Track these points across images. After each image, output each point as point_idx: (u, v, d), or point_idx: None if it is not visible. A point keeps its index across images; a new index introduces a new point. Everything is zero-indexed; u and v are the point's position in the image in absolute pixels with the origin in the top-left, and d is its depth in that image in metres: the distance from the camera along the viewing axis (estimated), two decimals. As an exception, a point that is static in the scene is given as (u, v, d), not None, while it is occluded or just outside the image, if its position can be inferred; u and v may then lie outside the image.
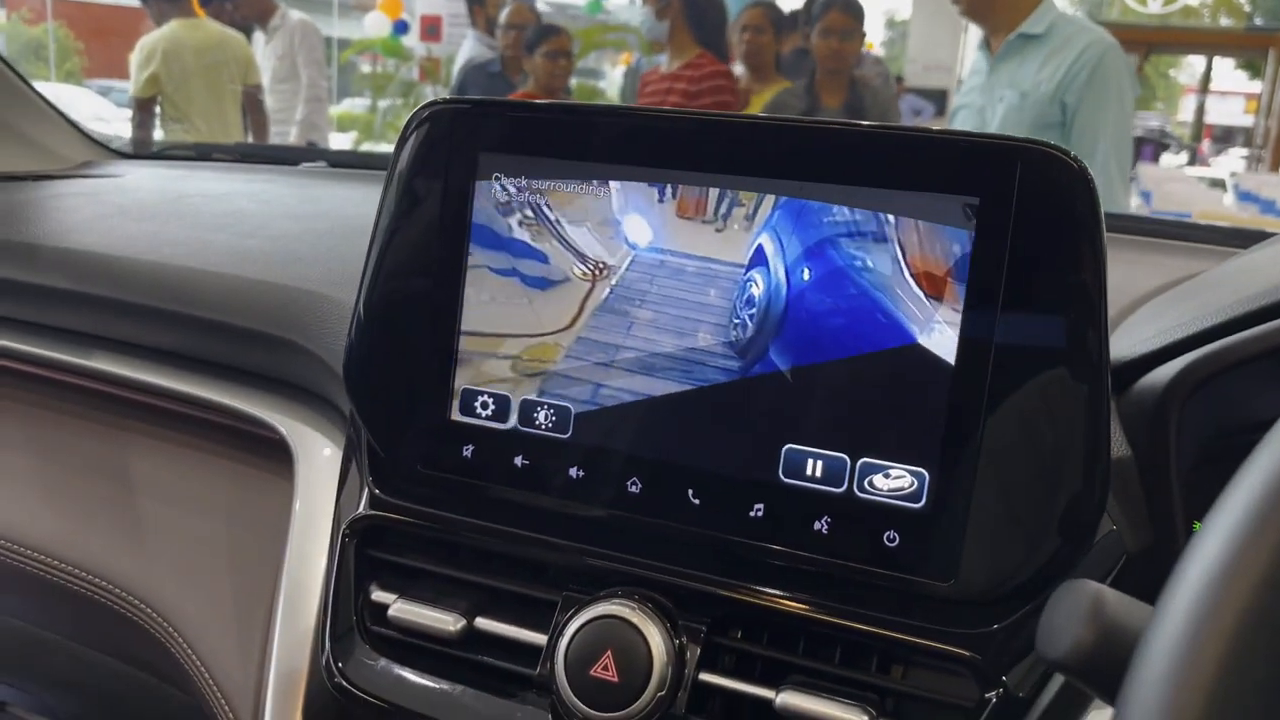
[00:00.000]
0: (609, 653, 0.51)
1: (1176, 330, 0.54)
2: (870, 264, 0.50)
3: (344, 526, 0.61)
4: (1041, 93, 2.24)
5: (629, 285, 0.54)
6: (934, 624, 0.50)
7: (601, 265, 0.55)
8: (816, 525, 0.51)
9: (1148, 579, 0.53)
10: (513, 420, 0.57)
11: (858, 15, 3.04)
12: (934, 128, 0.51)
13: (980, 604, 0.50)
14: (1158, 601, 0.30)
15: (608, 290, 0.55)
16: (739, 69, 3.19)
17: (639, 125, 0.55)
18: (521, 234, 0.56)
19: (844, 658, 0.52)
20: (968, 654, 0.49)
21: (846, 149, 0.51)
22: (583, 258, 0.55)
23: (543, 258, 0.56)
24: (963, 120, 2.41)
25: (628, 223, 0.54)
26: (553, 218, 0.56)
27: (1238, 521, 0.28)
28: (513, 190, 0.56)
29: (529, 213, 0.56)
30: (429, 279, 0.58)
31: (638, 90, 3.15)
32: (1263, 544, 0.27)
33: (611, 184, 0.54)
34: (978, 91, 2.37)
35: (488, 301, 0.57)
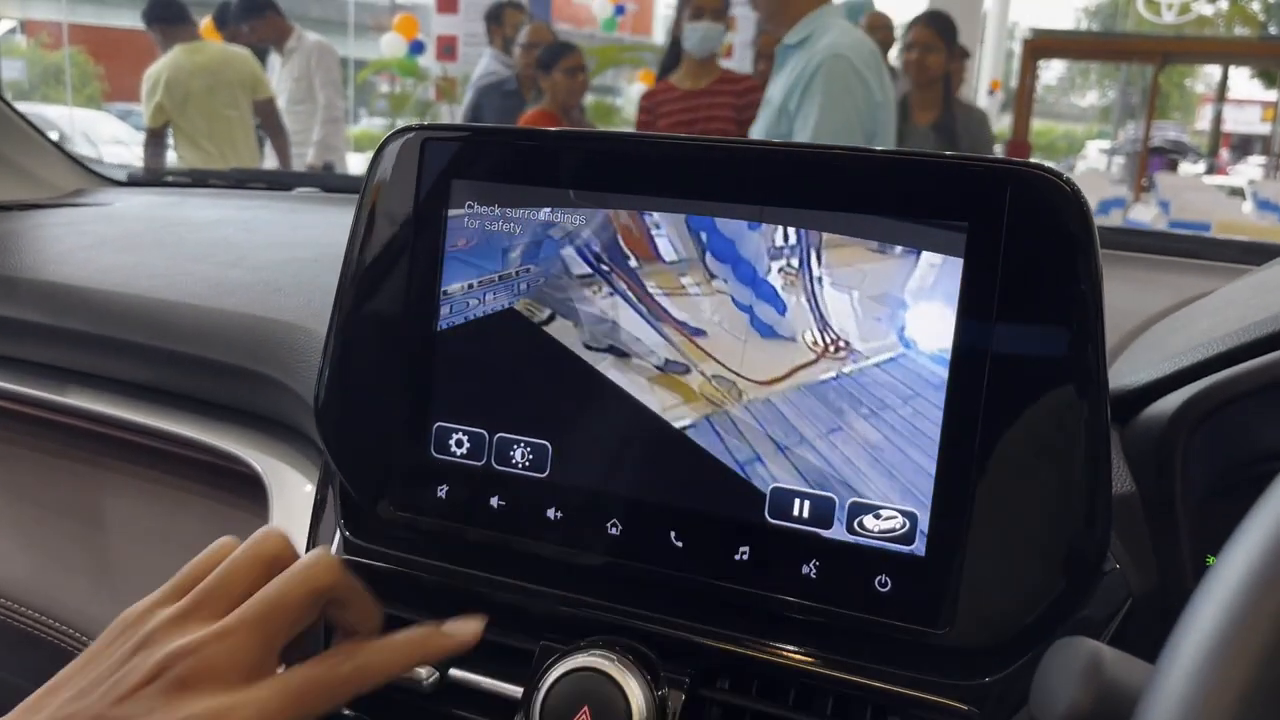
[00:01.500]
0: (585, 709, 0.49)
1: (1181, 358, 0.51)
2: (858, 294, 0.48)
3: (315, 570, 0.59)
4: (777, 103, 2.28)
5: (607, 317, 0.52)
6: (929, 675, 0.47)
7: (583, 298, 0.52)
8: (805, 569, 0.49)
9: (1154, 621, 0.50)
10: (488, 458, 0.54)
11: (946, 30, 3.07)
12: (923, 150, 0.48)
13: (978, 653, 0.47)
14: (1158, 662, 0.27)
15: (586, 322, 0.52)
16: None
17: (610, 151, 0.53)
18: (497, 264, 0.54)
19: (836, 710, 0.49)
20: (965, 708, 0.46)
21: (830, 173, 0.48)
22: (560, 289, 0.53)
23: (521, 291, 0.54)
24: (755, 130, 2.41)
25: (602, 251, 0.52)
26: (528, 247, 0.53)
27: (1240, 578, 0.25)
28: (487, 218, 0.54)
29: (504, 242, 0.54)
30: (401, 311, 0.55)
31: (648, 109, 3.09)
32: (1267, 603, 0.24)
33: (585, 212, 0.52)
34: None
35: (462, 333, 0.54)
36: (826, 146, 0.48)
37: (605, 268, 0.52)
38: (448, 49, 7.73)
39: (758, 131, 2.34)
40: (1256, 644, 0.24)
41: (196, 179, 1.39)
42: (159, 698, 0.41)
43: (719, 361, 0.50)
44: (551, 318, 0.53)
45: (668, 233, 0.51)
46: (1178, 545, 0.50)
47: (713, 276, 0.50)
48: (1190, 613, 0.26)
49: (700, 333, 0.50)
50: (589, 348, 0.52)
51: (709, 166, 0.50)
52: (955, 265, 0.46)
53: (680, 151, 0.51)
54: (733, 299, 0.50)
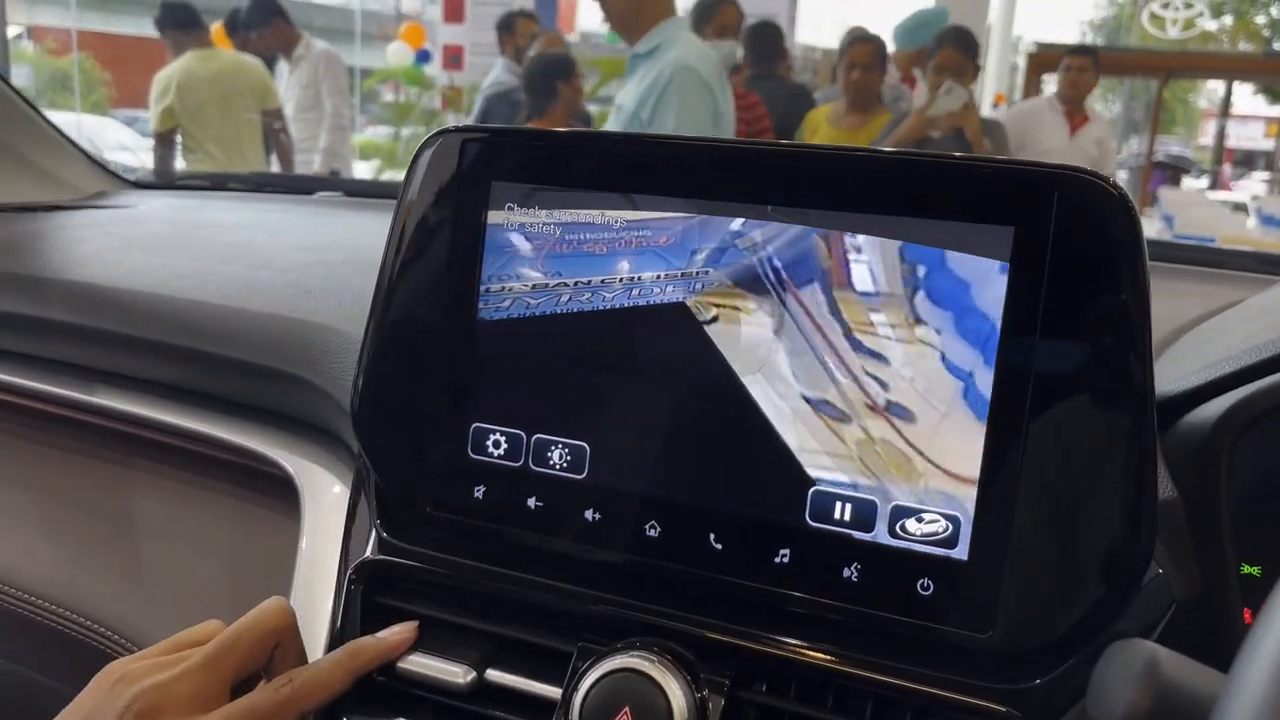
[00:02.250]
0: (626, 710, 0.49)
1: (1224, 364, 0.51)
2: (900, 297, 0.48)
3: (350, 571, 0.59)
4: (630, 109, 2.37)
5: (647, 318, 0.52)
6: (971, 678, 0.47)
7: (618, 298, 0.53)
8: (846, 572, 0.49)
9: (1198, 629, 0.50)
10: (525, 459, 0.54)
11: (971, 51, 3.12)
12: (969, 155, 0.48)
13: (1020, 657, 0.47)
14: (1232, 668, 0.27)
15: (626, 324, 0.52)
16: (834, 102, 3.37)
17: (654, 153, 0.53)
18: (536, 265, 0.54)
19: (875, 713, 0.49)
20: (1005, 710, 0.46)
21: (876, 178, 0.49)
22: (599, 291, 0.53)
23: (558, 291, 0.54)
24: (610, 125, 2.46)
25: (646, 253, 0.52)
26: (568, 248, 0.53)
27: None
28: (527, 219, 0.54)
29: (543, 243, 0.54)
30: (440, 311, 0.55)
31: None
32: None
33: (628, 214, 0.52)
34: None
35: (501, 334, 0.55)
36: (877, 151, 0.49)
37: (650, 268, 0.52)
38: (454, 58, 7.75)
39: None
40: None
41: (216, 183, 1.39)
42: None
43: (765, 363, 0.50)
44: (589, 320, 0.53)
45: (698, 236, 0.51)
46: (1221, 551, 0.50)
47: (717, 276, 0.50)
48: (1262, 621, 0.26)
49: (746, 338, 0.50)
50: (625, 351, 0.52)
51: (760, 171, 0.50)
52: (1002, 267, 0.46)
53: (744, 157, 0.51)
54: (796, 307, 0.50)
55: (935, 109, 2.99)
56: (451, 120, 7.16)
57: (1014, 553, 0.46)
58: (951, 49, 3.16)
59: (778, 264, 0.50)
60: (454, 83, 7.51)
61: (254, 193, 1.32)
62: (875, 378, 0.48)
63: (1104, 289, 0.44)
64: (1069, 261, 0.45)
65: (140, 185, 1.26)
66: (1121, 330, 0.44)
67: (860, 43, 3.25)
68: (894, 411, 0.48)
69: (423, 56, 7.84)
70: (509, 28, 4.45)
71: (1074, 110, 3.84)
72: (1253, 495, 0.52)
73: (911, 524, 0.48)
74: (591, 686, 0.50)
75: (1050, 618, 0.46)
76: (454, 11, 7.70)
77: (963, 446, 0.47)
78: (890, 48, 3.50)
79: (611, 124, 2.43)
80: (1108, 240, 0.44)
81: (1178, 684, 0.34)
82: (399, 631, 0.55)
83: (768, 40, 3.63)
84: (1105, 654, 0.37)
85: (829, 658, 0.49)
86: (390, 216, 0.58)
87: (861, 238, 0.48)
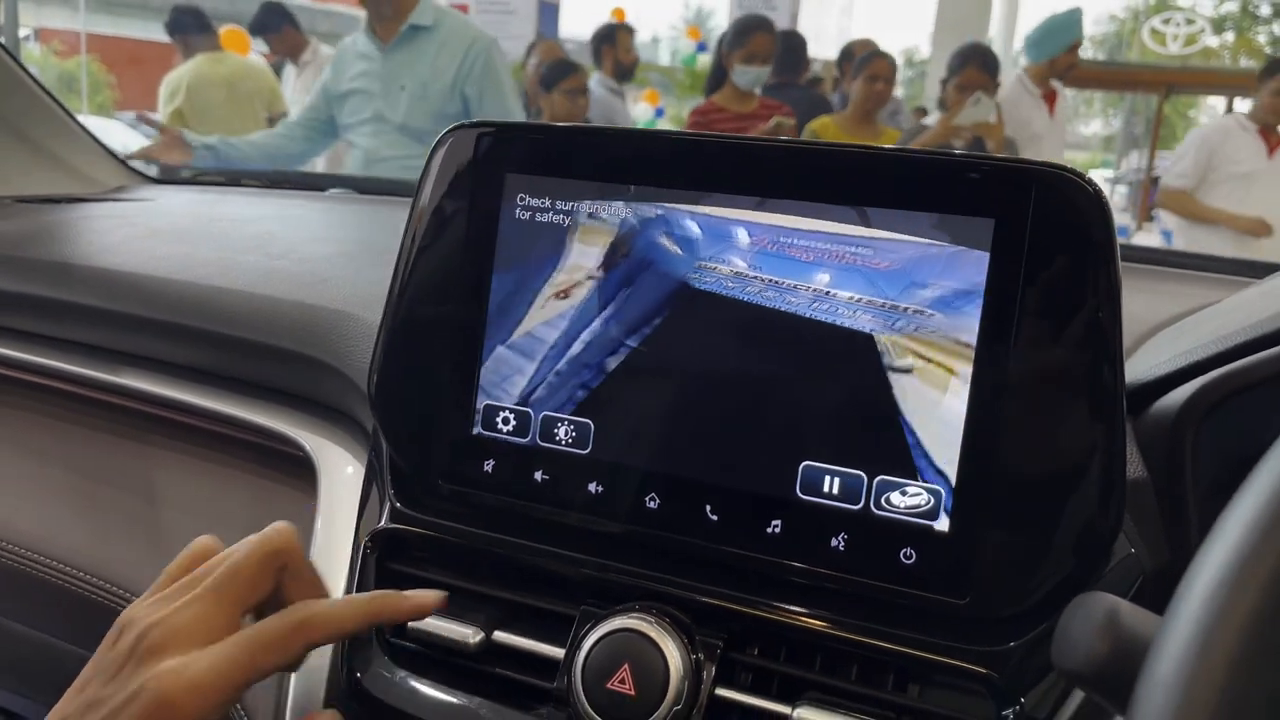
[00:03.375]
0: (626, 666, 0.52)
1: (1192, 354, 0.54)
2: (887, 285, 0.51)
3: (365, 539, 0.62)
4: (443, 83, 2.42)
5: (650, 305, 0.55)
6: (951, 641, 0.50)
7: (626, 286, 0.56)
8: (834, 542, 0.52)
9: (1164, 598, 0.53)
10: (533, 435, 0.58)
11: (993, 69, 3.26)
12: (952, 150, 0.52)
13: (996, 621, 0.50)
14: (1166, 610, 0.30)
15: (630, 310, 0.56)
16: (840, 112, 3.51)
17: (660, 147, 0.56)
18: (546, 254, 0.57)
19: (861, 675, 0.52)
20: (984, 671, 0.50)
21: (866, 171, 0.52)
22: (605, 279, 0.56)
23: (568, 279, 0.57)
24: (358, 104, 2.48)
25: (651, 244, 0.55)
26: (577, 238, 0.57)
27: (1242, 528, 0.29)
28: (538, 210, 0.57)
29: (554, 233, 0.57)
30: (454, 297, 0.59)
31: (701, 125, 3.31)
32: (1267, 549, 0.27)
33: (635, 206, 0.56)
34: (371, 78, 2.46)
35: (511, 319, 0.58)
36: (872, 147, 0.52)
37: (655, 259, 0.55)
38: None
39: (399, 111, 2.45)
40: (1257, 582, 0.27)
41: (232, 178, 1.43)
42: (135, 667, 0.46)
43: (758, 347, 0.53)
44: (595, 304, 0.56)
45: (715, 230, 0.54)
46: (1188, 528, 0.53)
47: (759, 273, 0.54)
48: (1195, 565, 0.29)
49: (742, 323, 0.54)
50: (630, 333, 0.56)
51: (762, 163, 0.54)
52: (982, 258, 0.49)
53: (740, 151, 0.55)
54: (789, 292, 0.53)
55: (963, 118, 3.06)
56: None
57: (991, 524, 0.49)
58: (975, 69, 3.25)
59: (740, 245, 0.53)
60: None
61: (269, 188, 1.36)
62: (861, 361, 0.51)
63: (1078, 279, 0.48)
64: (1046, 252, 0.48)
65: (159, 181, 1.30)
66: (1094, 319, 0.48)
67: (881, 57, 3.37)
68: (880, 391, 0.51)
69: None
70: (610, 38, 4.32)
71: (1269, 130, 3.69)
72: (1220, 479, 0.55)
73: (895, 497, 0.51)
74: (593, 646, 0.53)
75: (1024, 585, 0.49)
76: (459, 20, 7.75)
77: (945, 425, 0.50)
78: (1022, 61, 3.61)
79: (416, 99, 2.45)
80: (1082, 232, 0.48)
81: (1134, 631, 0.37)
82: (426, 594, 0.54)
83: (790, 51, 3.70)
84: (1068, 607, 0.40)
85: (817, 622, 0.52)
86: (398, 212, 0.61)
87: (841, 228, 0.52)
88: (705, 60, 10.09)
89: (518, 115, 2.54)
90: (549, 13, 7.67)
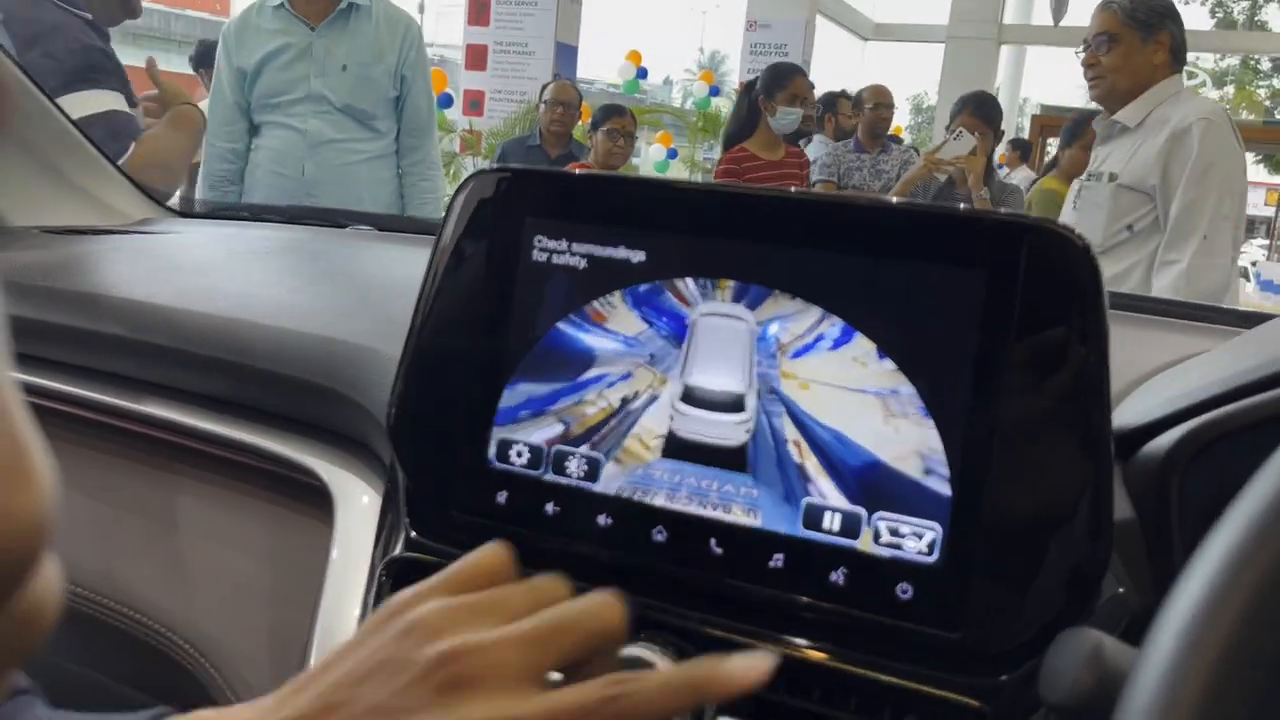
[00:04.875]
0: (632, 693, 0.54)
1: (1179, 400, 0.57)
2: (885, 333, 0.54)
3: (380, 567, 0.64)
4: (385, 65, 2.46)
5: (660, 345, 0.58)
6: (945, 674, 0.52)
7: (637, 327, 0.58)
8: (833, 576, 0.54)
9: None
10: (545, 468, 0.60)
11: (988, 115, 3.41)
12: (950, 206, 0.55)
13: (989, 656, 0.52)
14: (1143, 641, 0.32)
15: (641, 350, 0.58)
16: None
17: (671, 195, 0.59)
18: (562, 294, 0.60)
19: (859, 706, 0.54)
20: (977, 704, 0.51)
21: (871, 222, 0.55)
22: (618, 320, 0.59)
23: (582, 319, 0.60)
24: (284, 84, 2.43)
25: (662, 287, 0.58)
26: (592, 281, 0.59)
27: (1215, 564, 0.31)
28: (555, 253, 0.60)
29: (570, 275, 0.60)
30: (473, 333, 0.61)
31: (732, 172, 3.40)
32: (1237, 585, 0.30)
33: (647, 251, 0.58)
34: (300, 56, 2.43)
35: (527, 356, 0.60)
36: (865, 197, 0.55)
37: (666, 302, 0.58)
38: (474, 104, 7.91)
39: (348, 92, 2.47)
40: (1229, 616, 0.29)
41: (253, 213, 1.46)
42: (435, 695, 0.40)
43: (764, 389, 0.56)
44: (608, 344, 0.59)
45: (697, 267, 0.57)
46: (1173, 568, 0.55)
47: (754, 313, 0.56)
48: (1169, 600, 0.32)
49: (747, 364, 0.56)
50: (655, 356, 0.58)
51: (768, 213, 0.56)
52: (975, 308, 0.52)
53: (745, 202, 0.57)
54: (790, 338, 0.56)
55: (945, 152, 3.16)
56: (469, 163, 7.29)
57: (984, 562, 0.51)
58: (969, 114, 3.40)
59: (824, 317, 0.56)
60: (473, 127, 7.66)
61: (290, 224, 1.39)
62: (860, 403, 0.54)
63: (1068, 328, 0.50)
64: (1037, 302, 0.51)
65: (183, 214, 1.33)
66: (1083, 365, 0.50)
67: (970, 112, 3.56)
68: (878, 432, 0.53)
69: (444, 101, 8.00)
70: (832, 106, 4.72)
71: None
72: (1205, 517, 0.57)
73: (893, 534, 0.53)
74: None
75: (1015, 621, 0.51)
76: (476, 59, 7.87)
77: (940, 465, 0.52)
78: (1028, 109, 3.91)
79: (345, 84, 2.45)
80: (1072, 285, 0.50)
81: (1116, 665, 0.39)
82: (753, 667, 0.45)
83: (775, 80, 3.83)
84: (1055, 641, 0.43)
85: (817, 654, 0.54)
86: (417, 250, 0.64)
87: (842, 278, 0.54)
88: (719, 104, 10.22)
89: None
90: (567, 54, 7.79)
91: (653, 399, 0.58)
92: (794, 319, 0.56)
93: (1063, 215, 2.51)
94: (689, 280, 0.57)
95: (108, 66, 1.83)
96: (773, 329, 0.56)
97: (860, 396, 0.54)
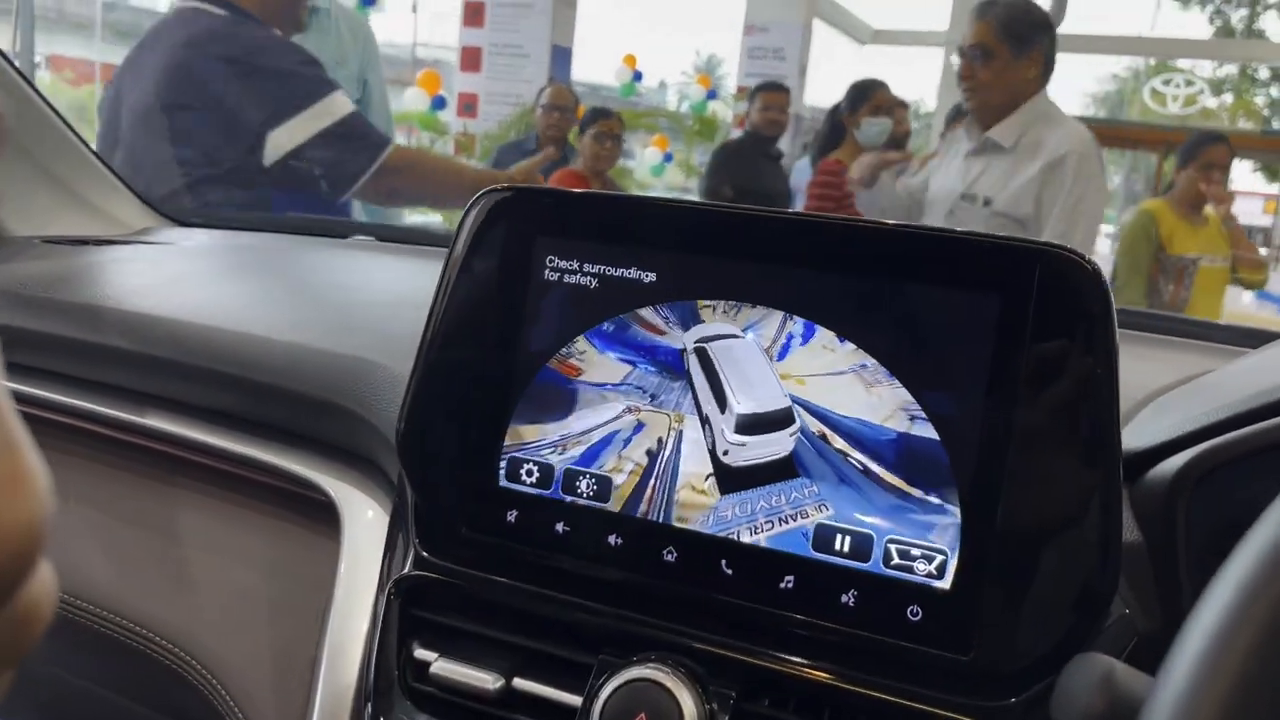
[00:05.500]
0: (642, 716, 0.54)
1: (1185, 424, 0.57)
2: (897, 356, 0.54)
3: (389, 585, 0.64)
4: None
5: (655, 382, 0.58)
6: (954, 695, 0.52)
7: (649, 346, 0.59)
8: (844, 598, 0.54)
9: (1157, 660, 0.56)
10: (556, 488, 0.60)
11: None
12: (959, 229, 0.55)
13: (998, 677, 0.52)
14: (1159, 670, 0.32)
15: (654, 369, 0.58)
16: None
17: (682, 217, 0.59)
18: (573, 313, 0.60)
19: (866, 727, 0.54)
20: (985, 726, 0.52)
21: (877, 245, 0.55)
22: (628, 339, 0.59)
23: (594, 337, 0.60)
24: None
25: (672, 308, 0.58)
26: (603, 300, 0.60)
27: (1231, 595, 0.31)
28: (566, 272, 0.60)
29: (580, 294, 0.60)
30: (484, 350, 0.61)
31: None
32: (1254, 615, 0.30)
33: (658, 271, 0.59)
34: None
35: (538, 374, 0.60)
36: (881, 223, 0.55)
37: (675, 321, 0.58)
38: (469, 106, 7.92)
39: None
40: (1243, 646, 0.30)
41: (255, 223, 1.46)
42: None
43: (774, 413, 0.56)
44: (618, 363, 0.59)
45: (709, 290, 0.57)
46: (1179, 591, 0.56)
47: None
48: (1184, 631, 0.32)
49: (761, 386, 0.56)
50: (652, 391, 0.58)
51: (776, 234, 0.57)
52: (989, 332, 0.52)
53: (756, 224, 0.58)
54: (802, 360, 0.56)
55: (862, 139, 3.28)
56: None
57: (993, 585, 0.51)
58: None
59: (786, 318, 0.56)
60: (467, 129, 7.66)
61: (290, 233, 1.39)
62: (870, 426, 0.54)
63: (1078, 352, 0.51)
64: (1048, 325, 0.51)
65: (183, 223, 1.33)
66: (1093, 391, 0.50)
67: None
68: (889, 455, 0.54)
69: (438, 103, 8.00)
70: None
71: None
72: (1213, 545, 0.58)
73: (903, 556, 0.53)
74: (610, 695, 0.55)
75: (1024, 643, 0.51)
76: (470, 62, 7.88)
77: (950, 487, 0.52)
78: None
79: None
80: (1083, 309, 0.51)
81: (1129, 691, 0.40)
82: None
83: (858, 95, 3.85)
84: (1067, 666, 0.43)
85: (826, 675, 0.55)
86: (421, 261, 0.64)
87: (856, 301, 0.55)
88: (715, 107, 10.22)
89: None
90: (562, 57, 7.80)
91: (678, 444, 0.58)
92: (764, 323, 0.56)
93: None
94: (697, 299, 0.58)
95: (321, 74, 1.90)
96: (781, 347, 0.56)
97: (842, 378, 0.54)
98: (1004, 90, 2.32)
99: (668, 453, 0.58)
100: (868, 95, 3.41)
